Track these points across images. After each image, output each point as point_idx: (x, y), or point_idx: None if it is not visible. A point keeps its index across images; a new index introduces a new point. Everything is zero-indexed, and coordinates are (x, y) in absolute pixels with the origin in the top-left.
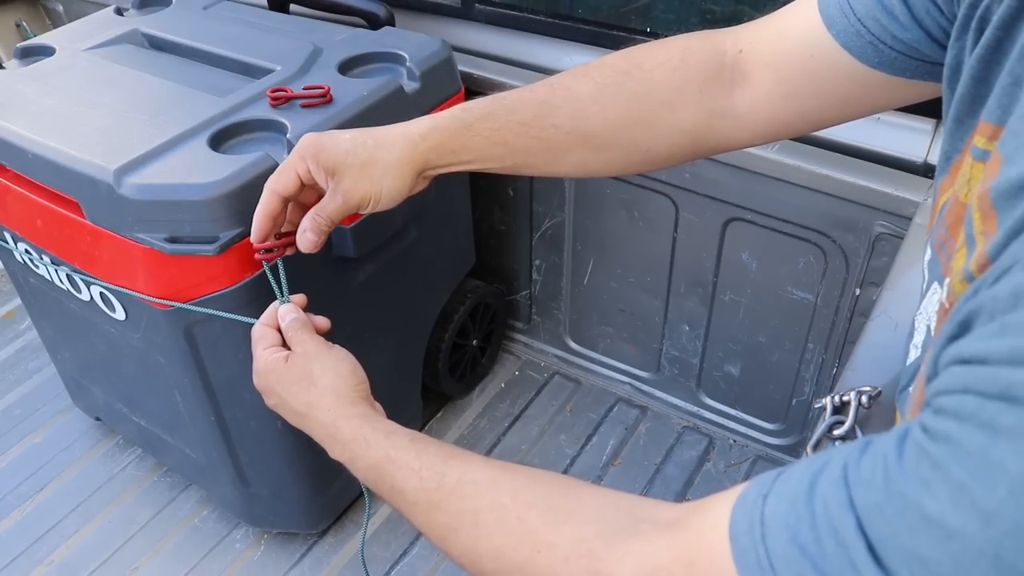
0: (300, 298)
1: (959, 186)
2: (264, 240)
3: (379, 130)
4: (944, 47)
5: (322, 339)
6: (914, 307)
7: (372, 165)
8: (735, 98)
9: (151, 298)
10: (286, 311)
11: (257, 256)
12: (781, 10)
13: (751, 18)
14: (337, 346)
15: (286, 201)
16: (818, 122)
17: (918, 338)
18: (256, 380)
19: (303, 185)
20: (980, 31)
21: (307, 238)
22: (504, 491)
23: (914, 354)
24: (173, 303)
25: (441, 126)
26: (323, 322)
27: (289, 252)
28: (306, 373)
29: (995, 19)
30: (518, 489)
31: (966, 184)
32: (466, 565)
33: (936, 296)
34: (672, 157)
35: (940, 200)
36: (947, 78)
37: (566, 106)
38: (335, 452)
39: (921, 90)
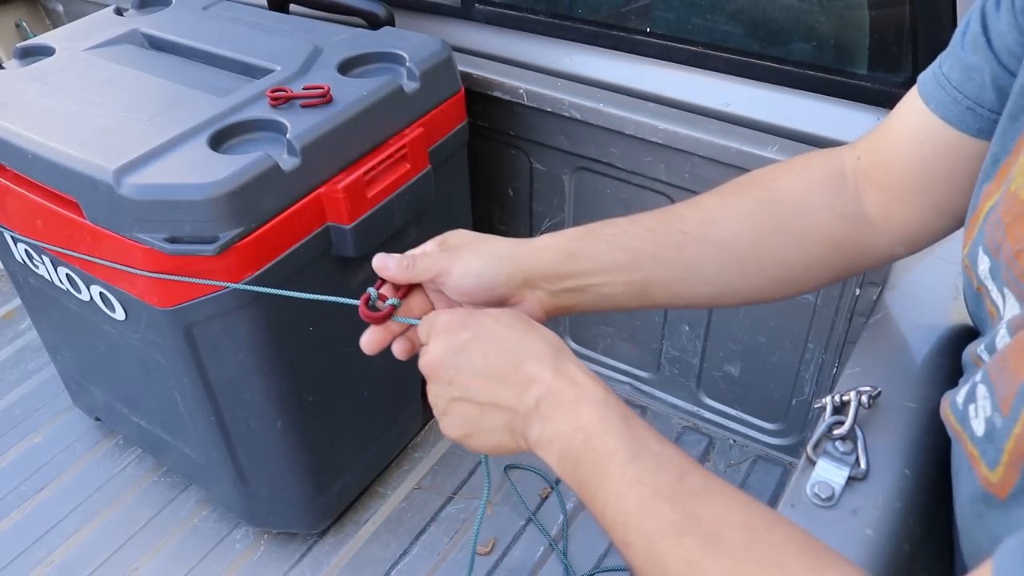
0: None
1: (1019, 184)
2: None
3: (522, 258)
4: None
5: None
6: (914, 307)
7: (481, 240)
8: (864, 204)
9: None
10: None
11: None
12: (893, 110)
13: (751, 16)
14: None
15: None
16: (953, 212)
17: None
18: (449, 315)
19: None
20: None
21: (384, 261)
22: (760, 517)
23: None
24: (229, 285)
25: (560, 233)
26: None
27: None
28: (523, 316)
29: None
30: (775, 521)
31: (1021, 176)
32: (669, 572)
33: (1013, 307)
34: (812, 269)
35: (985, 206)
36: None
37: (693, 213)
38: (545, 385)
39: None
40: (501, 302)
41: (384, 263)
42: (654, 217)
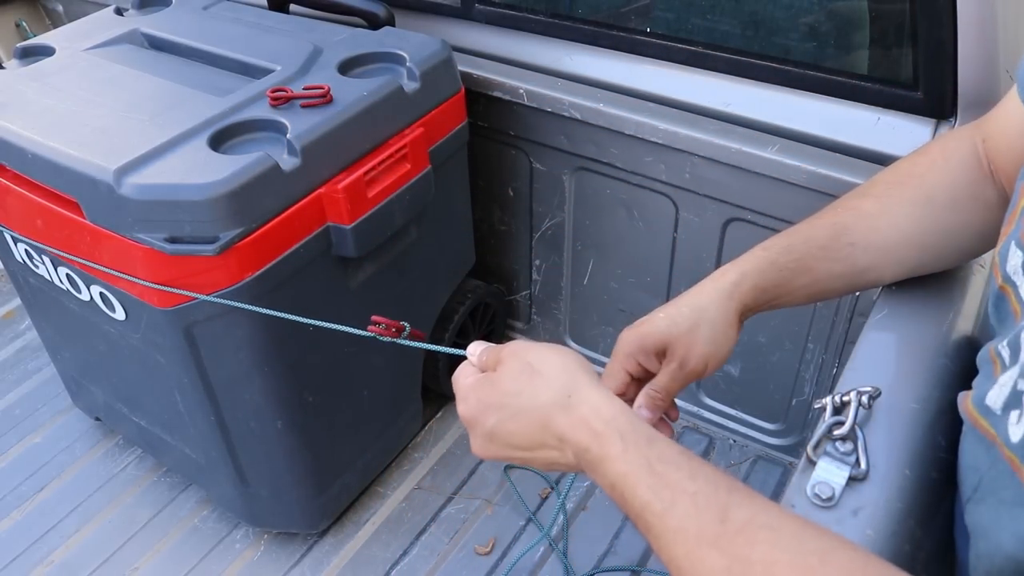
0: None
1: None
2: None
3: (689, 295)
4: None
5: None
6: (914, 307)
7: (697, 328)
8: (999, 185)
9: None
10: (475, 347)
11: None
12: (1005, 97)
13: (750, 14)
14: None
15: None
16: None
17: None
18: (461, 407)
19: (632, 379)
20: None
21: (642, 415)
22: (811, 550)
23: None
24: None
25: (749, 271)
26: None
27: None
28: (525, 365)
29: None
30: (827, 551)
31: None
32: None
33: None
34: (972, 252)
35: (1022, 203)
36: None
37: (858, 223)
38: (572, 443)
39: None
40: None
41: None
42: (823, 234)
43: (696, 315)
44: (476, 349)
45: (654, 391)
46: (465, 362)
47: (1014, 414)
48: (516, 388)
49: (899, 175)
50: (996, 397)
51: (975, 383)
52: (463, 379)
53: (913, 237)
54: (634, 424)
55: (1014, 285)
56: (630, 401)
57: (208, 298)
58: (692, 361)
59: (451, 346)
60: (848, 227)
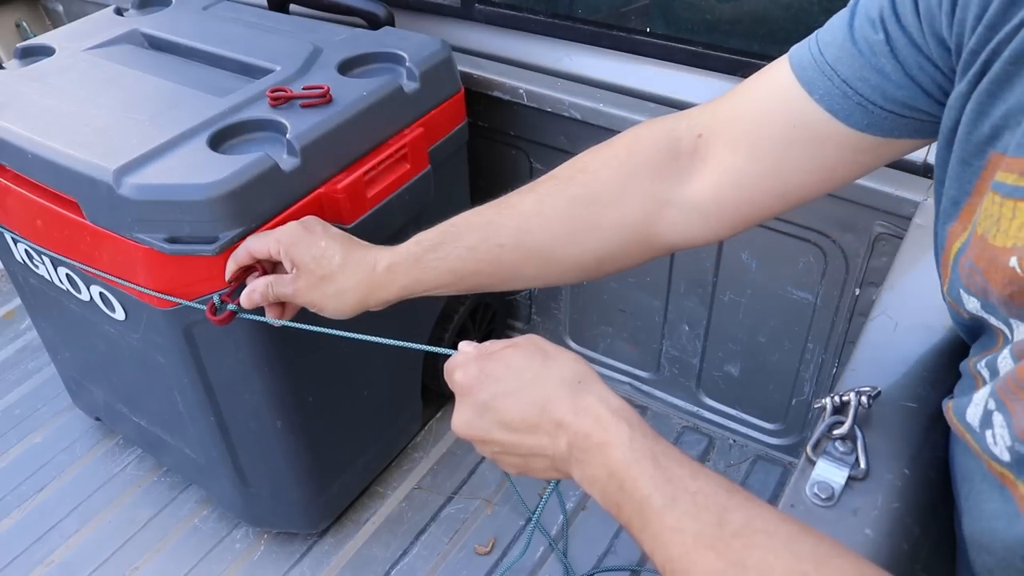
0: None
1: (985, 228)
2: (229, 278)
3: (352, 248)
4: (939, 101)
5: None
6: (914, 307)
7: (328, 281)
8: (693, 187)
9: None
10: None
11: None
12: (742, 84)
13: (751, 12)
14: None
15: (254, 259)
16: (796, 199)
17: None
18: (458, 374)
19: (271, 257)
20: (982, 72)
21: (251, 298)
22: (807, 556)
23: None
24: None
25: (396, 262)
26: None
27: (232, 302)
28: (538, 349)
29: (1007, 54)
30: (823, 558)
31: (996, 225)
32: None
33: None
34: (625, 257)
35: (953, 247)
36: (946, 127)
37: (509, 222)
38: (578, 427)
39: (907, 147)
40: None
41: (249, 302)
42: (474, 234)
43: (337, 272)
44: (469, 347)
45: (269, 289)
46: (465, 344)
47: (988, 434)
48: (524, 364)
49: (573, 169)
50: (973, 416)
51: (956, 391)
52: (465, 351)
53: (564, 240)
54: (640, 418)
55: (985, 318)
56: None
57: (234, 308)
58: (302, 298)
59: (450, 347)
60: (501, 227)
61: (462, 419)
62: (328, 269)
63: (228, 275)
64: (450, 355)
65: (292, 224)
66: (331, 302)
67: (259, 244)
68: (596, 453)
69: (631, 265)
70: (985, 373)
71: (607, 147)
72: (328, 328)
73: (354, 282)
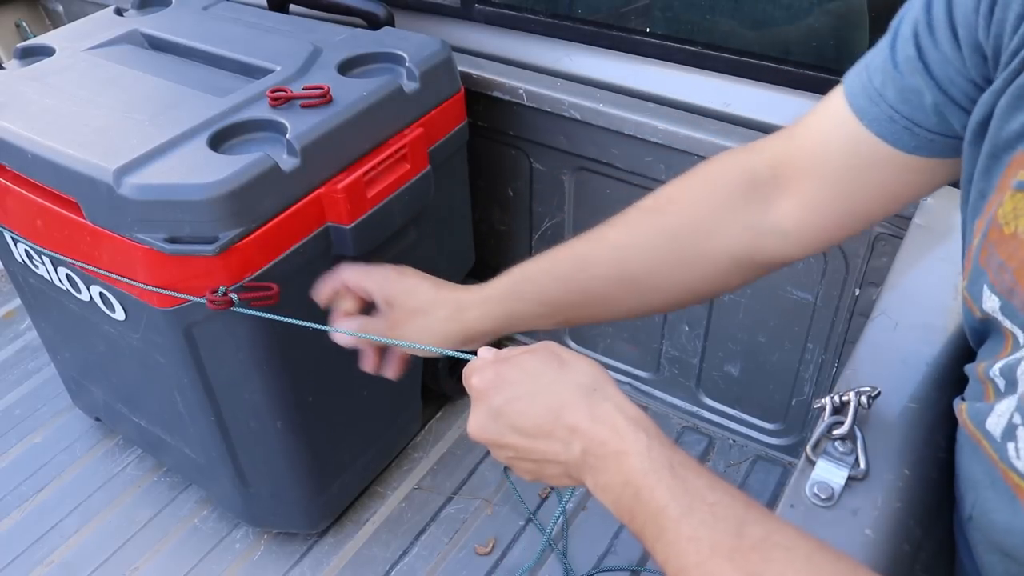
0: None
1: (1006, 221)
2: (324, 304)
3: (444, 285)
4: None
5: None
6: (914, 307)
7: (420, 314)
8: (778, 214)
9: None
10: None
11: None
12: (807, 115)
13: (750, 13)
14: None
15: (347, 289)
16: (869, 218)
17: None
18: (475, 378)
19: (364, 293)
20: (1020, 69)
21: (347, 338)
22: (825, 571)
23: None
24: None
25: (490, 295)
26: None
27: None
28: (554, 355)
29: None
30: (841, 572)
31: (1015, 219)
32: None
33: None
34: (721, 285)
35: (978, 240)
36: (976, 122)
37: (604, 254)
38: (593, 435)
39: (957, 169)
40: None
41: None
42: (568, 264)
43: (429, 307)
44: (488, 353)
45: (362, 328)
46: (484, 349)
47: (1011, 446)
48: (540, 370)
49: (659, 201)
50: (995, 425)
51: (967, 395)
52: (484, 356)
53: (658, 270)
54: (657, 427)
55: (998, 320)
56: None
57: (235, 298)
58: (396, 334)
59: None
60: (595, 260)
61: (477, 423)
62: (419, 302)
63: (322, 300)
64: (468, 359)
65: (386, 267)
66: (424, 335)
67: (355, 278)
68: (612, 461)
69: (727, 290)
70: (1000, 381)
71: (689, 180)
72: (342, 328)
73: (445, 314)
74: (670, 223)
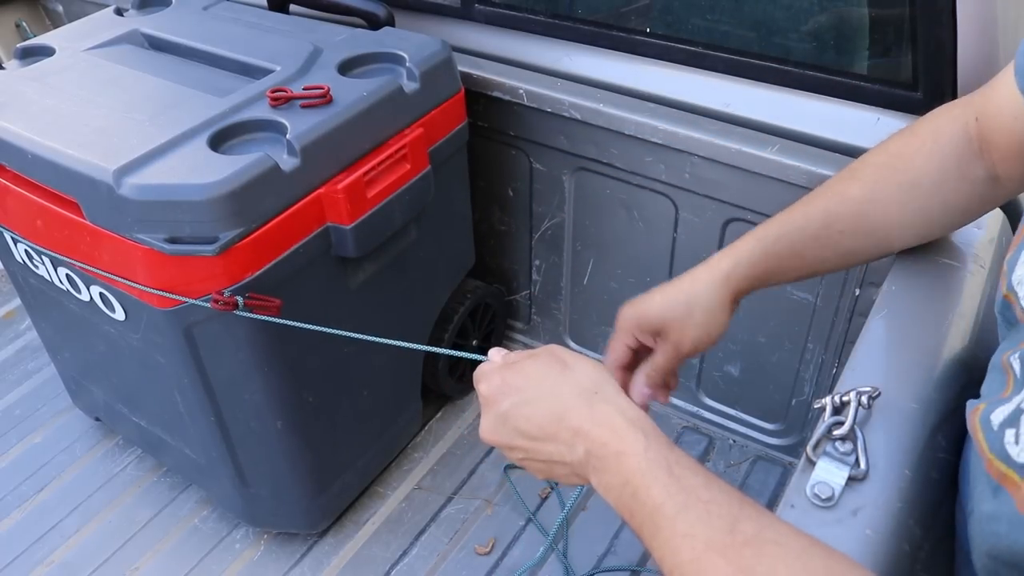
0: None
1: None
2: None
3: (684, 280)
4: None
5: None
6: (914, 307)
7: (692, 313)
8: (989, 162)
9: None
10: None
11: None
12: (994, 81)
13: (750, 13)
14: None
15: (625, 368)
16: None
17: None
18: (482, 385)
19: (635, 352)
20: None
21: (643, 391)
22: (817, 568)
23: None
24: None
25: (743, 260)
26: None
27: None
28: (557, 359)
29: None
30: (833, 568)
31: None
32: None
33: None
34: (956, 223)
35: None
36: None
37: (845, 211)
38: (592, 437)
39: None
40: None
41: (644, 398)
42: (816, 222)
43: (690, 300)
44: (498, 355)
45: (652, 372)
46: (494, 351)
47: (1010, 432)
48: (542, 374)
49: (888, 156)
50: (1000, 413)
51: (984, 391)
52: (490, 363)
53: (898, 221)
54: (656, 428)
55: (1016, 295)
56: (629, 374)
57: (271, 318)
58: (685, 344)
59: (451, 347)
60: (838, 215)
61: (487, 427)
62: (681, 308)
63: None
64: (479, 360)
65: (622, 311)
66: (709, 327)
67: (615, 355)
68: (612, 461)
69: (964, 224)
70: (1017, 366)
71: (911, 135)
72: (351, 333)
73: (713, 298)
74: (905, 179)
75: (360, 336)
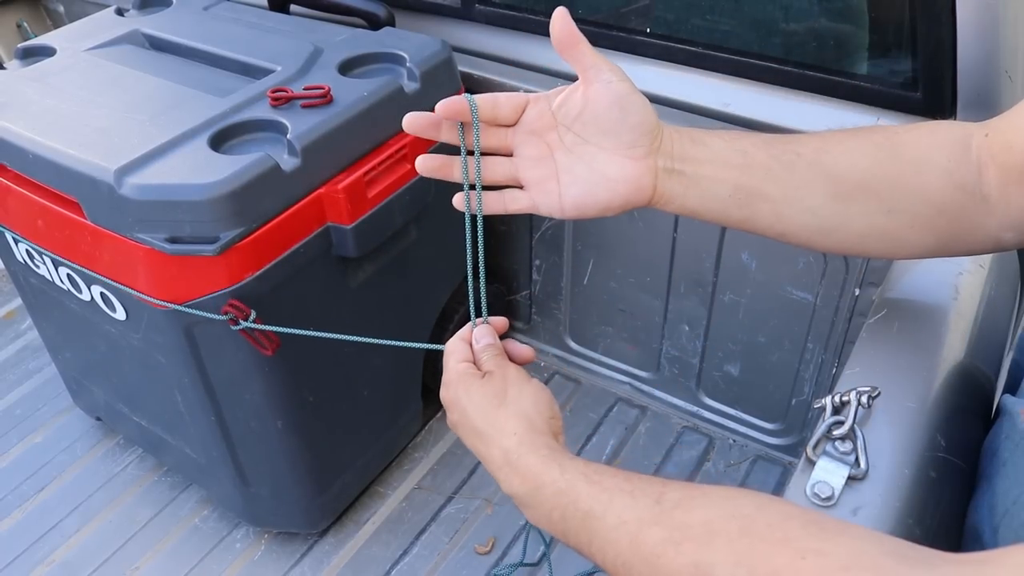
0: (500, 322)
1: None
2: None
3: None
4: None
5: (521, 368)
6: (914, 307)
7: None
8: (984, 180)
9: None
10: (481, 333)
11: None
12: (1015, 108)
13: (750, 13)
14: (535, 379)
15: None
16: None
17: None
18: (443, 392)
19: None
20: None
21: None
22: (746, 504)
23: None
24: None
25: (674, 129)
26: (525, 352)
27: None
28: (499, 392)
29: None
30: (763, 505)
31: None
32: None
33: None
34: (915, 229)
35: None
36: None
37: (809, 139)
38: (510, 482)
39: None
40: (631, 147)
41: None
42: (771, 136)
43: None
44: (483, 337)
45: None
46: (465, 341)
47: None
48: (477, 411)
49: (876, 127)
50: None
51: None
52: (454, 362)
53: (864, 176)
54: (567, 455)
55: None
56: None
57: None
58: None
59: None
60: (800, 140)
61: (450, 423)
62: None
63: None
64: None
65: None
66: (632, 91)
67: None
68: (535, 496)
69: (911, 252)
70: None
71: (907, 124)
72: (351, 336)
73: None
74: (883, 142)
75: (354, 338)
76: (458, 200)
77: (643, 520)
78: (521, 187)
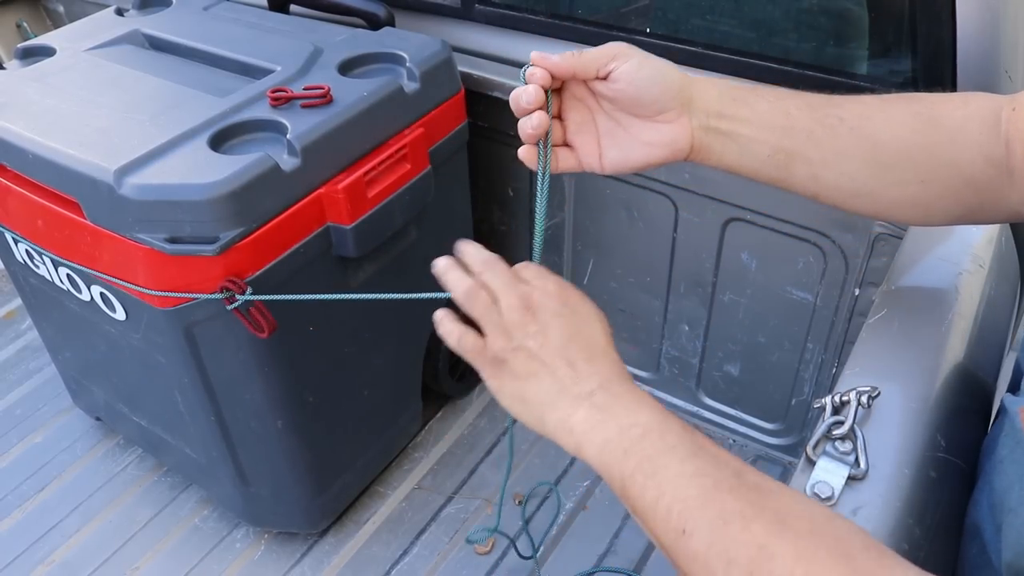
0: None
1: None
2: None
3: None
4: None
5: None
6: (914, 307)
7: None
8: (1010, 153)
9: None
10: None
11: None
12: None
13: (750, 13)
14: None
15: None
16: None
17: None
18: (544, 280)
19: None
20: None
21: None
22: (820, 511)
23: None
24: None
25: (722, 79)
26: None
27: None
28: (600, 319)
29: None
30: (836, 515)
31: None
32: (736, 557)
33: None
34: (945, 199)
35: None
36: None
37: (852, 105)
38: (611, 381)
39: None
40: (660, 113)
41: (543, 56)
42: (813, 97)
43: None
44: (474, 251)
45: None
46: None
47: None
48: (601, 325)
49: (914, 96)
50: None
51: None
52: (551, 282)
53: (903, 144)
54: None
55: None
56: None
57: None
58: (608, 97)
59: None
60: (842, 105)
61: (541, 305)
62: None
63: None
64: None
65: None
66: (661, 64)
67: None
68: (625, 404)
69: (940, 220)
70: None
71: (942, 94)
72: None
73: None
74: (922, 111)
75: (360, 296)
76: (523, 153)
77: (720, 483)
78: (569, 147)
